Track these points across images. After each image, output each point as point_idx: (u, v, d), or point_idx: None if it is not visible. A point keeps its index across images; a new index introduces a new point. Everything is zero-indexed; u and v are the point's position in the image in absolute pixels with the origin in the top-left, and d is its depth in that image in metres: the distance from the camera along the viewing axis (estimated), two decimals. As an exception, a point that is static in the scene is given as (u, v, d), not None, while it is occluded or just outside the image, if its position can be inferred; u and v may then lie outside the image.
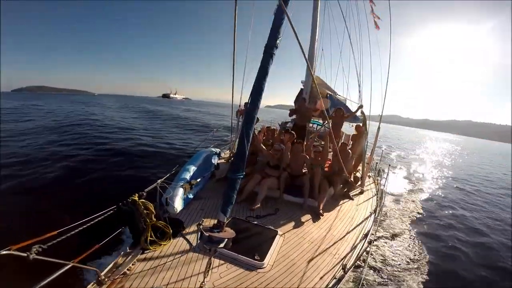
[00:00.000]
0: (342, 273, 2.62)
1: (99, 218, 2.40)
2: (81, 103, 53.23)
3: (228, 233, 2.21)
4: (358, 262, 3.25)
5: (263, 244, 3.06)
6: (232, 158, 5.21)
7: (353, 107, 7.75)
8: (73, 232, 2.08)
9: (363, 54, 6.25)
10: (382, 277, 4.55)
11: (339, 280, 2.56)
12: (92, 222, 2.29)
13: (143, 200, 2.85)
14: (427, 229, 7.03)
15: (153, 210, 2.91)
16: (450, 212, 9.05)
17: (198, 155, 4.88)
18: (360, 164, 6.06)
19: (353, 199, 4.95)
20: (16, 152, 10.00)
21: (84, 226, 2.20)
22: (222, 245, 2.13)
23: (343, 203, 4.74)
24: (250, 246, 2.98)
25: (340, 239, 3.43)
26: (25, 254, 1.65)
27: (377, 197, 5.06)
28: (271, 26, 2.40)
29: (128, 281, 2.35)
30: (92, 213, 2.38)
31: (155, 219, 2.92)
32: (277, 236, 3.27)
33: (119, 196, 2.88)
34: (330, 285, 2.50)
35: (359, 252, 3.13)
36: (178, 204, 3.50)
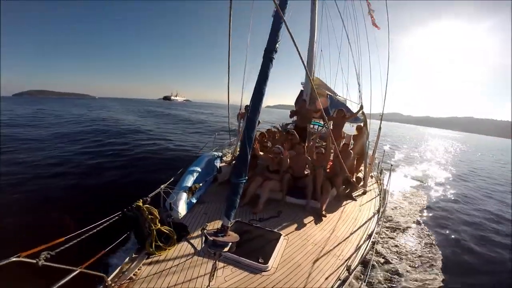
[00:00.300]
0: (347, 274, 2.64)
1: (105, 224, 2.44)
2: (88, 106, 54.01)
3: (232, 237, 2.24)
4: (362, 262, 3.26)
5: (266, 247, 3.08)
6: (234, 162, 5.24)
7: (353, 107, 7.78)
8: (79, 239, 2.11)
9: (362, 54, 6.28)
10: (387, 277, 4.54)
11: (343, 281, 2.58)
12: (98, 228, 2.33)
13: (148, 206, 2.88)
14: (432, 228, 6.96)
15: (157, 215, 2.94)
16: (456, 209, 9.02)
17: (201, 159, 4.91)
18: (362, 165, 6.07)
19: (356, 200, 4.96)
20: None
21: (90, 233, 2.24)
22: (226, 249, 2.16)
23: (346, 204, 4.76)
24: (254, 249, 3.00)
25: (344, 240, 3.45)
26: (34, 261, 1.68)
27: (380, 197, 5.07)
28: (270, 31, 2.42)
29: (135, 286, 2.38)
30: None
31: (159, 224, 2.96)
32: (281, 239, 3.30)
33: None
34: (335, 287, 2.52)
35: (363, 253, 3.14)
36: (182, 209, 3.53)
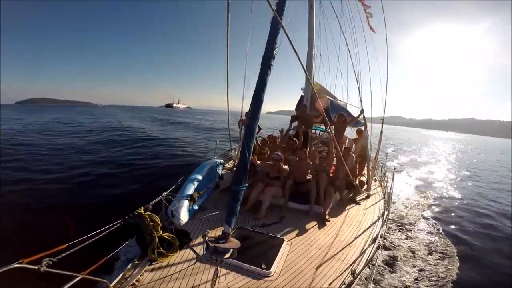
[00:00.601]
0: (352, 278, 2.59)
1: (106, 232, 2.44)
2: (95, 114, 54.78)
3: (233, 243, 2.24)
4: (367, 267, 3.20)
5: (269, 252, 3.05)
6: (234, 169, 5.24)
7: (353, 111, 7.80)
8: (81, 246, 2.12)
9: (361, 57, 6.33)
10: (393, 281, 4.46)
11: (348, 286, 2.53)
12: (100, 236, 2.33)
13: (149, 213, 2.88)
14: (439, 230, 6.87)
15: (159, 222, 2.94)
16: (461, 212, 8.88)
17: (202, 166, 4.92)
18: (365, 168, 6.04)
19: (359, 204, 4.91)
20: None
21: (92, 240, 2.24)
22: (227, 255, 2.15)
23: (349, 208, 4.71)
24: (257, 255, 2.97)
25: (348, 244, 3.40)
26: (36, 267, 1.68)
27: (385, 200, 5.01)
28: (267, 38, 2.45)
29: None
30: None
31: (161, 231, 2.95)
32: (284, 244, 3.26)
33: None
34: None
35: (368, 257, 3.08)
36: (183, 216, 3.53)
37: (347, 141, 7.17)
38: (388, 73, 6.38)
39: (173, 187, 3.90)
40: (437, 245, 6.00)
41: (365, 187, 5.49)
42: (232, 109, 5.22)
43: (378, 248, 2.89)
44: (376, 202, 5.04)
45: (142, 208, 2.88)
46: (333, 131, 4.68)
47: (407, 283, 4.48)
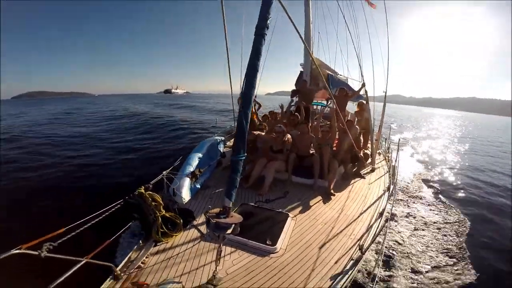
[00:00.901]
0: (360, 254, 2.52)
1: (107, 214, 2.37)
2: (98, 104, 54.18)
3: (235, 218, 2.15)
4: (375, 242, 3.15)
5: (274, 228, 3.00)
6: (233, 140, 5.15)
7: (354, 85, 7.62)
8: (82, 229, 2.04)
9: (360, 33, 6.06)
10: (400, 256, 4.41)
11: (356, 261, 2.48)
12: (100, 218, 2.26)
13: (150, 192, 2.80)
14: (445, 203, 6.86)
15: (161, 202, 2.87)
16: (466, 184, 8.94)
17: (202, 144, 4.80)
18: (369, 142, 5.92)
19: (364, 178, 4.83)
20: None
21: (93, 222, 2.16)
22: (229, 231, 2.07)
23: (354, 182, 4.64)
24: (262, 231, 2.92)
25: (355, 219, 3.33)
26: (36, 253, 1.62)
27: (389, 174, 4.93)
28: (260, 7, 2.28)
29: (143, 274, 2.33)
30: None
31: (163, 211, 2.89)
32: (288, 219, 3.21)
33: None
34: (348, 267, 2.42)
35: (375, 232, 3.02)
36: (185, 194, 3.46)
37: (349, 115, 7.02)
38: (389, 43, 6.12)
39: (174, 165, 3.81)
40: (444, 215, 6.05)
41: (369, 160, 5.40)
42: (227, 92, 5.10)
43: (386, 221, 2.80)
44: (381, 176, 4.96)
45: (143, 187, 2.80)
46: (335, 103, 4.54)
47: (415, 255, 4.46)
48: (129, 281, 2.23)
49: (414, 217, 5.84)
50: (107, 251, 2.31)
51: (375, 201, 3.86)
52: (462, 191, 8.04)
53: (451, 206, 6.58)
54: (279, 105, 6.61)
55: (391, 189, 4.15)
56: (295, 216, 3.38)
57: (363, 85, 5.76)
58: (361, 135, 5.81)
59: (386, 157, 6.23)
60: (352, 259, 2.53)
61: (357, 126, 5.24)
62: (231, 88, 4.14)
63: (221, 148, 5.13)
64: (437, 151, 15.01)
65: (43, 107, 47.30)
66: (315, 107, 8.73)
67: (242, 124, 2.16)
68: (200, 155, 4.37)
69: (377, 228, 3.09)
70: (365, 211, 3.56)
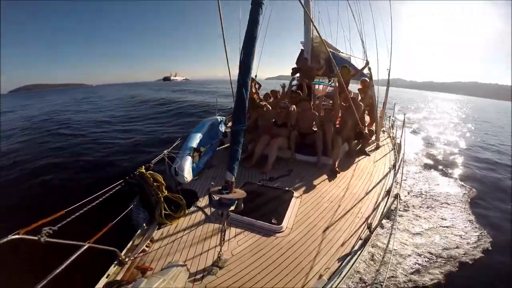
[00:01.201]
0: (368, 233, 2.47)
1: (106, 195, 2.27)
2: (98, 93, 53.50)
3: (238, 193, 2.05)
4: (384, 219, 3.07)
5: (279, 207, 2.92)
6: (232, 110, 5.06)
7: (357, 63, 7.42)
8: (81, 211, 1.95)
9: (362, 12, 5.90)
10: (409, 235, 4.40)
11: (365, 241, 2.41)
12: (99, 200, 2.16)
13: (151, 172, 2.71)
14: (452, 181, 6.87)
15: (163, 182, 2.77)
16: (467, 157, 8.98)
17: (203, 123, 4.68)
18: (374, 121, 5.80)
19: (369, 155, 4.73)
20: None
21: (93, 204, 2.07)
22: (232, 207, 1.99)
23: (359, 160, 4.53)
24: (266, 211, 2.85)
25: (361, 198, 3.24)
26: (36, 237, 1.54)
27: (395, 151, 4.83)
28: None
29: (148, 258, 2.28)
30: None
31: (166, 191, 2.79)
32: (293, 198, 3.13)
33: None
34: (357, 247, 2.35)
35: (383, 210, 2.93)
36: (187, 173, 3.37)
37: (352, 93, 6.85)
38: (392, 19, 5.86)
39: (174, 144, 3.70)
40: (451, 192, 6.08)
41: (374, 137, 5.28)
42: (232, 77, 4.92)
43: (393, 199, 2.72)
44: (386, 154, 4.85)
45: (143, 167, 2.69)
46: (337, 84, 4.39)
47: (426, 233, 4.45)
48: (134, 266, 2.18)
49: (421, 193, 5.83)
50: (111, 235, 2.23)
51: (381, 179, 3.76)
52: (465, 166, 8.08)
53: (462, 185, 6.60)
54: (280, 85, 6.47)
55: (397, 166, 4.05)
56: (300, 195, 3.31)
57: (367, 63, 5.58)
58: (365, 113, 5.67)
59: (391, 135, 6.12)
60: (360, 239, 2.45)
61: (361, 103, 5.09)
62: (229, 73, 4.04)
63: (223, 128, 5.01)
64: (440, 130, 15.04)
65: (45, 98, 47.36)
66: (316, 86, 8.55)
67: (241, 92, 2.05)
68: (201, 134, 4.25)
69: (385, 206, 3.01)
70: (371, 189, 3.46)
